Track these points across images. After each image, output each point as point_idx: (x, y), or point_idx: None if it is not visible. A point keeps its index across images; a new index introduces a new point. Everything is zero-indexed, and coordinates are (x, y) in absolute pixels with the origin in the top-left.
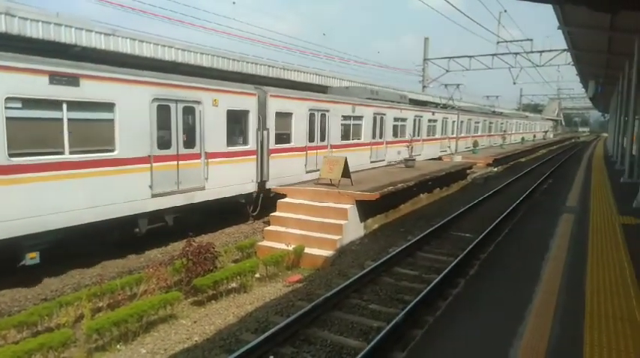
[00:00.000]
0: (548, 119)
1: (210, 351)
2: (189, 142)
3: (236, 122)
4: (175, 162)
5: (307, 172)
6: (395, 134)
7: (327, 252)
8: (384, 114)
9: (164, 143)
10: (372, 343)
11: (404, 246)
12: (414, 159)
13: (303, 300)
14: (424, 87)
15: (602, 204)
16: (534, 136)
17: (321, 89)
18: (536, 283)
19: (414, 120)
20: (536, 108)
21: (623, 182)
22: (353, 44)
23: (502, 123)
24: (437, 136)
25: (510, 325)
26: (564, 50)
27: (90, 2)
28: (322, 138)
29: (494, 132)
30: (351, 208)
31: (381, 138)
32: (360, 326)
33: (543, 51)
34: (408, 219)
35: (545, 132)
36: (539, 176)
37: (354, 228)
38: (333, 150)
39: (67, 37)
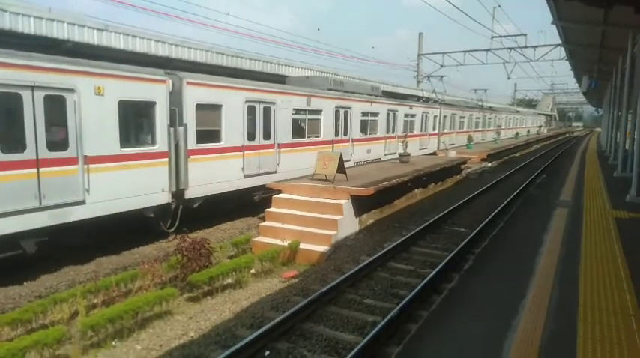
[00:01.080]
0: (540, 114)
1: (206, 347)
2: (59, 144)
3: (137, 116)
4: (35, 170)
5: (246, 176)
6: (364, 130)
7: (322, 248)
8: (350, 108)
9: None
10: (368, 337)
11: (399, 241)
12: (409, 155)
13: (298, 295)
14: (419, 82)
15: (596, 198)
16: (528, 131)
17: (280, 79)
18: (530, 277)
19: (388, 115)
20: (531, 103)
21: (616, 176)
22: (347, 39)
23: (491, 118)
24: (415, 132)
25: (504, 318)
26: (558, 45)
27: None
28: (267, 136)
29: (483, 128)
30: (346, 204)
31: (345, 135)
32: (355, 320)
33: (537, 46)
34: (402, 214)
35: (539, 127)
36: (533, 170)
37: (349, 224)
38: (282, 150)
39: (59, 32)
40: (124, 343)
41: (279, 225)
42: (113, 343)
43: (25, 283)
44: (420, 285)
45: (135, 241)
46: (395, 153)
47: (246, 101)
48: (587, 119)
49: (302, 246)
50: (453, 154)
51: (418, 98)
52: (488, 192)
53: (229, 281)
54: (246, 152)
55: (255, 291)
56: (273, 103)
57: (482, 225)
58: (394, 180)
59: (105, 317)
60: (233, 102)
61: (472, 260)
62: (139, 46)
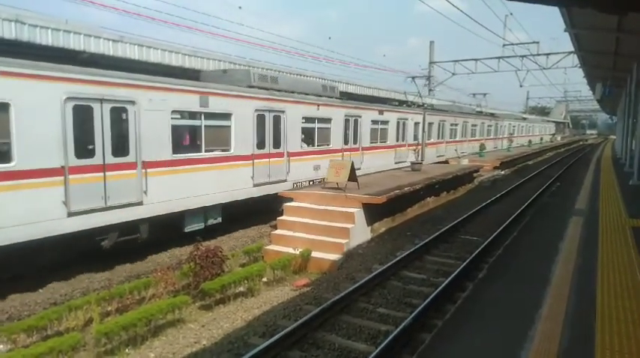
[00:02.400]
0: (550, 121)
1: (219, 355)
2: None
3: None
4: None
5: (72, 215)
6: (309, 141)
7: (334, 256)
8: (282, 112)
9: None
10: (381, 347)
11: (411, 250)
12: (421, 163)
13: (310, 304)
14: (430, 90)
15: (612, 207)
16: (541, 139)
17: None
18: (546, 286)
19: (347, 121)
20: (544, 111)
21: (632, 184)
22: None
23: (491, 126)
24: (388, 143)
25: (520, 328)
26: (571, 52)
27: (98, 10)
28: (120, 151)
29: (482, 136)
30: (357, 212)
31: (277, 147)
32: (368, 329)
33: (550, 53)
34: (415, 222)
35: (552, 135)
36: (547, 179)
37: (361, 232)
38: (152, 170)
39: (75, 43)
40: (137, 351)
41: (290, 233)
42: (127, 351)
43: (40, 290)
44: (434, 294)
45: (148, 249)
46: (359, 168)
47: (74, 100)
48: (601, 127)
49: (314, 254)
50: (465, 162)
51: (400, 102)
52: (501, 200)
53: (241, 289)
54: (71, 177)
55: (267, 300)
56: (133, 103)
57: (496, 233)
58: (406, 188)
59: (118, 324)
60: (37, 101)
61: (486, 269)
62: (153, 56)
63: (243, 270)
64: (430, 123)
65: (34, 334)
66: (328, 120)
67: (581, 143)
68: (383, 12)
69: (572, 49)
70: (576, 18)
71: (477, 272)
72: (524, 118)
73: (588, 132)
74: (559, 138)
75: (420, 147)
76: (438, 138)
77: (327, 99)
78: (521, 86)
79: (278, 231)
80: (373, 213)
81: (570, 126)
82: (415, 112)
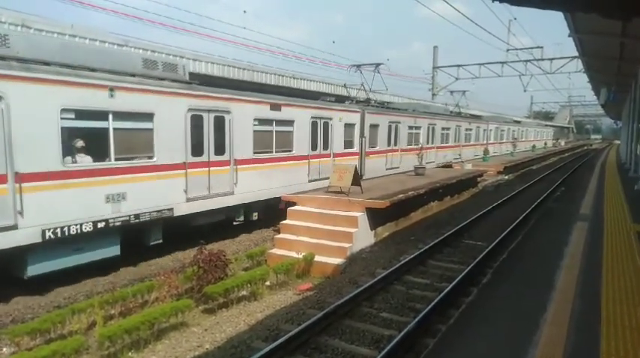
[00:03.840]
0: (549, 125)
1: None
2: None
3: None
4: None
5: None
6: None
7: (337, 260)
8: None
9: None
10: (384, 351)
11: (415, 254)
12: (424, 167)
13: (313, 308)
14: (434, 95)
15: (616, 212)
16: (545, 144)
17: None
18: (550, 291)
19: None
20: (548, 116)
21: (637, 189)
22: (363, 52)
23: (471, 130)
24: (295, 153)
25: (525, 334)
26: (575, 57)
27: (103, 14)
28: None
29: (457, 143)
30: (361, 216)
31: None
32: (371, 334)
33: (554, 58)
34: (418, 226)
35: (556, 140)
36: (551, 183)
37: (364, 236)
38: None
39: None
40: (140, 354)
41: (294, 237)
42: (130, 354)
43: (44, 293)
44: (437, 299)
45: (152, 252)
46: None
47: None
48: (605, 131)
49: (317, 258)
50: (469, 167)
51: (340, 98)
52: (505, 204)
53: (244, 293)
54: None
55: (270, 304)
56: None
57: (500, 238)
58: (410, 193)
59: (122, 328)
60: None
61: (491, 273)
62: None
63: (246, 274)
64: (374, 126)
65: (38, 337)
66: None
67: (585, 148)
68: (387, 16)
69: (577, 53)
70: (580, 23)
71: (481, 277)
72: (518, 121)
73: (592, 137)
74: (563, 143)
75: (423, 151)
76: (390, 144)
77: (215, 93)
78: (525, 91)
79: (281, 235)
80: (377, 217)
81: (574, 130)
82: (347, 110)
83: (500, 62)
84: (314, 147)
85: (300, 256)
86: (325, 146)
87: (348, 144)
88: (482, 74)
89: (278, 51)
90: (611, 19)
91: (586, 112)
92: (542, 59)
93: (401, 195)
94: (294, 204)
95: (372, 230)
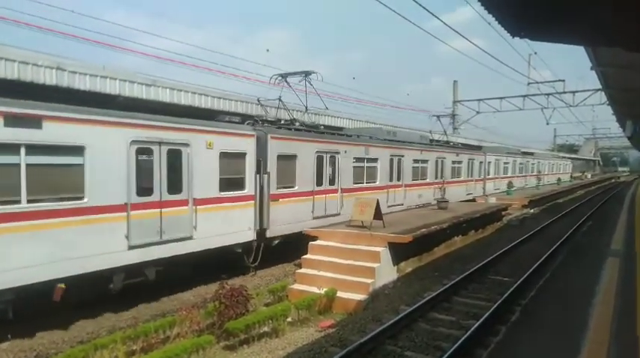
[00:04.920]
0: (567, 157)
1: None
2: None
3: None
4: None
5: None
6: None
7: (359, 296)
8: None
9: None
10: None
11: (439, 291)
12: (447, 201)
13: (336, 346)
14: (455, 129)
15: None
16: (571, 177)
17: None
18: (584, 331)
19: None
20: (572, 149)
21: None
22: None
23: (459, 164)
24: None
25: None
26: (598, 90)
27: (134, 56)
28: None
29: (440, 179)
30: (383, 251)
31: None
32: None
33: (576, 91)
34: (442, 262)
35: (582, 173)
36: (579, 217)
37: (386, 271)
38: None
39: (112, 88)
40: None
41: (315, 272)
42: None
43: (67, 328)
44: (464, 338)
45: (174, 287)
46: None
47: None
48: (633, 163)
49: (339, 294)
50: (492, 201)
51: (243, 120)
52: (531, 239)
53: (266, 329)
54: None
55: (291, 341)
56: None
57: (528, 274)
58: (433, 227)
59: None
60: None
61: (519, 312)
62: (184, 99)
63: (267, 310)
64: (285, 157)
65: None
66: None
67: (612, 181)
68: (406, 53)
69: (599, 86)
70: (603, 56)
71: (509, 315)
72: (529, 153)
73: (620, 169)
74: (589, 176)
75: (444, 184)
76: (321, 183)
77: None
78: (547, 124)
79: (302, 270)
80: (399, 252)
81: (601, 163)
82: (222, 132)
83: (522, 96)
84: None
85: (322, 292)
86: (173, 188)
87: (229, 183)
88: (504, 107)
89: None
90: (634, 52)
91: (612, 144)
92: (565, 92)
93: (424, 230)
94: (315, 238)
95: (394, 265)
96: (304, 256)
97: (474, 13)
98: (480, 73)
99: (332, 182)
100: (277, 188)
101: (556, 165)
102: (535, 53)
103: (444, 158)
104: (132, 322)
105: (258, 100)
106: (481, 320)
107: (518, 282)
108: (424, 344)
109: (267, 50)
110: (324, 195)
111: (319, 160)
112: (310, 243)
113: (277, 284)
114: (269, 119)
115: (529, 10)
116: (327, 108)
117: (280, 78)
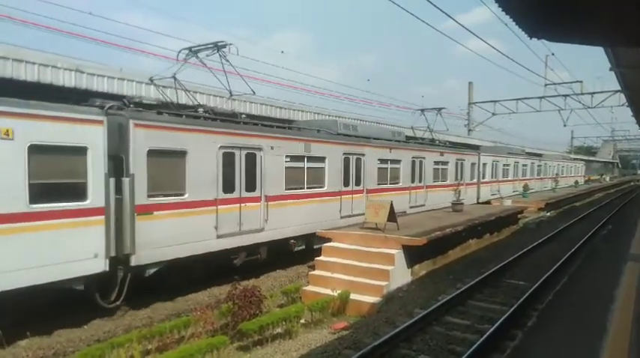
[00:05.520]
0: (580, 159)
1: None
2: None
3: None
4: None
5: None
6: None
7: (373, 299)
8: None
9: None
10: None
11: (454, 294)
12: (462, 203)
13: (349, 349)
14: (469, 131)
15: None
16: (588, 180)
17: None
18: (603, 337)
19: None
20: (590, 151)
21: None
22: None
23: (443, 164)
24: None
25: None
26: (617, 91)
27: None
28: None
29: (418, 183)
30: (397, 253)
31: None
32: None
33: (594, 92)
34: (457, 265)
35: (601, 176)
36: (596, 221)
37: (400, 274)
38: None
39: (129, 90)
40: None
41: (328, 274)
42: None
43: (85, 326)
44: (479, 342)
45: (188, 288)
46: None
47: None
48: None
49: (352, 296)
50: (508, 203)
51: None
52: (548, 243)
53: (279, 330)
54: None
55: (304, 342)
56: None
57: (545, 278)
58: (447, 230)
59: None
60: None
61: (536, 316)
62: (200, 100)
63: (281, 311)
64: (175, 154)
65: None
66: None
67: (632, 183)
68: (420, 55)
69: (618, 87)
70: (622, 56)
71: (525, 320)
72: (534, 154)
73: (639, 172)
74: (608, 179)
75: (460, 186)
76: (235, 189)
77: None
78: (564, 126)
79: (316, 272)
80: (413, 254)
81: (619, 165)
82: (69, 118)
83: (539, 97)
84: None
85: (336, 294)
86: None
87: (53, 192)
88: (520, 109)
89: (313, 89)
90: None
91: (631, 147)
92: (582, 93)
93: (438, 233)
94: (329, 240)
95: (408, 268)
96: (317, 258)
97: (490, 14)
98: (496, 76)
99: (252, 187)
100: (151, 196)
101: (567, 167)
102: (552, 54)
103: (423, 158)
104: (147, 321)
105: (151, 80)
106: (497, 324)
107: (535, 286)
108: (439, 348)
109: (282, 52)
110: (237, 205)
111: (228, 158)
112: (324, 244)
113: (291, 286)
114: (157, 103)
115: (547, 10)
116: (253, 93)
117: (188, 52)
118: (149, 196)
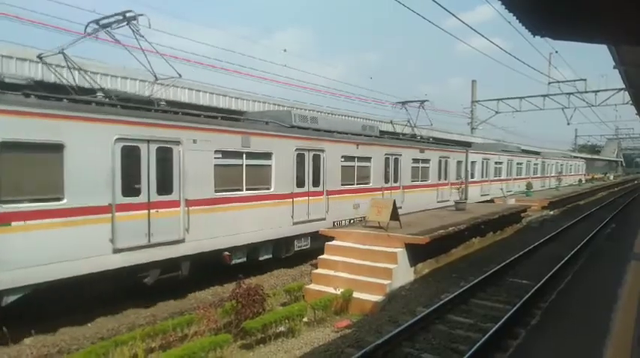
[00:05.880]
0: (580, 157)
1: None
2: None
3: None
4: None
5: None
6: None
7: (376, 297)
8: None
9: None
10: None
11: (457, 293)
12: (465, 202)
13: (352, 347)
14: (473, 129)
15: None
16: (592, 179)
17: None
18: (605, 335)
19: None
20: (594, 149)
21: None
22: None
23: (424, 162)
24: None
25: None
26: (621, 89)
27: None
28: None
29: (394, 183)
30: (400, 252)
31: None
32: None
33: (598, 90)
34: (460, 264)
35: (605, 174)
36: (600, 220)
37: (403, 273)
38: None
39: (131, 88)
40: None
41: (332, 272)
42: None
43: (89, 324)
44: (482, 340)
45: (191, 286)
46: None
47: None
48: None
49: (355, 294)
50: (511, 202)
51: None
52: (551, 241)
53: (282, 328)
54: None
55: (307, 341)
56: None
57: (548, 277)
58: (450, 228)
59: None
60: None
61: (539, 315)
62: (202, 99)
63: (284, 310)
64: (43, 148)
65: None
66: None
67: (635, 182)
68: (424, 53)
69: (623, 85)
70: (626, 54)
71: (529, 318)
72: (531, 152)
73: None
74: (611, 177)
75: (463, 185)
76: (141, 193)
77: None
78: (568, 124)
79: (319, 270)
80: (416, 253)
81: (623, 164)
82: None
83: (542, 95)
84: None
85: (338, 292)
86: None
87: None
88: (523, 107)
89: (316, 88)
90: None
91: (635, 145)
92: (586, 91)
93: (441, 231)
94: (332, 238)
95: (411, 266)
96: (320, 256)
97: (493, 12)
98: (499, 74)
99: (166, 189)
100: (7, 202)
101: (567, 166)
102: (556, 52)
103: (400, 155)
104: (151, 320)
105: (40, 57)
106: (500, 322)
107: (538, 285)
108: (441, 346)
109: (285, 50)
110: (145, 211)
111: (129, 153)
112: (327, 243)
113: (294, 284)
114: (26, 83)
115: (550, 8)
116: (180, 76)
117: (97, 25)
118: (3, 202)
